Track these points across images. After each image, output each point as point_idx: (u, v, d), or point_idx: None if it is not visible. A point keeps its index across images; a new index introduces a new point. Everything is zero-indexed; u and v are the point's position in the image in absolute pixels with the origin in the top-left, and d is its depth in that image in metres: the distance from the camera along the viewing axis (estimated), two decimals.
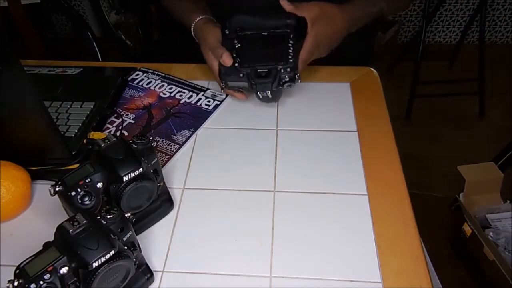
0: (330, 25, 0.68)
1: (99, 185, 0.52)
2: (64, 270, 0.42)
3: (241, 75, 0.68)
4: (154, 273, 0.53)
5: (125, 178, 0.51)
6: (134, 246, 0.48)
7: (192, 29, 0.77)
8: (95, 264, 0.42)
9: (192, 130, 0.73)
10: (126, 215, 0.49)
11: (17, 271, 0.42)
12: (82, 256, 0.42)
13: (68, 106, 0.75)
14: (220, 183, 0.64)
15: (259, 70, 0.68)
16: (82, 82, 0.84)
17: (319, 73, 0.83)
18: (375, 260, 0.54)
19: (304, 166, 0.66)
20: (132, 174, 0.51)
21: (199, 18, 0.76)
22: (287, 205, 0.61)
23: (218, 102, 0.78)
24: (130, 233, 0.47)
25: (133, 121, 0.75)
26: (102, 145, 0.53)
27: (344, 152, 0.68)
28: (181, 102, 0.79)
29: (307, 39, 0.68)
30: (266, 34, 0.69)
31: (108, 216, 0.45)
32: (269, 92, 0.70)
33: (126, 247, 0.46)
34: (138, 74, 0.86)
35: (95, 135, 0.69)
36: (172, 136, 0.72)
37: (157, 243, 0.57)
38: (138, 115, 0.76)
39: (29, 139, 0.64)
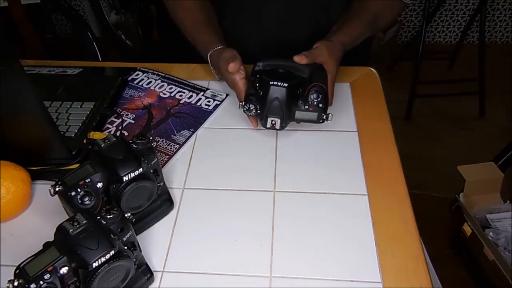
0: (336, 58, 0.72)
1: (99, 185, 0.52)
2: (64, 270, 0.42)
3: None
4: (154, 273, 0.53)
5: (125, 178, 0.51)
6: (134, 246, 0.48)
7: (209, 57, 0.77)
8: (95, 264, 0.42)
9: (192, 130, 0.73)
10: (126, 215, 0.49)
11: (17, 271, 0.42)
12: (82, 256, 0.42)
13: (68, 106, 0.75)
14: (220, 183, 0.64)
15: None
16: (82, 82, 0.84)
17: None
18: (375, 260, 0.54)
19: (304, 166, 0.66)
20: (132, 174, 0.51)
21: (216, 48, 0.75)
22: (287, 205, 0.61)
23: (218, 102, 0.78)
24: (130, 233, 0.47)
25: (133, 121, 0.75)
26: (102, 145, 0.53)
27: (344, 152, 0.68)
28: (181, 102, 0.79)
29: (328, 78, 0.69)
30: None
31: (108, 216, 0.45)
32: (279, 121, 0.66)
33: (126, 247, 0.46)
34: (138, 74, 0.86)
35: (95, 135, 0.69)
36: (172, 136, 0.72)
37: (157, 243, 0.57)
38: (138, 115, 0.76)
39: (29, 139, 0.64)
